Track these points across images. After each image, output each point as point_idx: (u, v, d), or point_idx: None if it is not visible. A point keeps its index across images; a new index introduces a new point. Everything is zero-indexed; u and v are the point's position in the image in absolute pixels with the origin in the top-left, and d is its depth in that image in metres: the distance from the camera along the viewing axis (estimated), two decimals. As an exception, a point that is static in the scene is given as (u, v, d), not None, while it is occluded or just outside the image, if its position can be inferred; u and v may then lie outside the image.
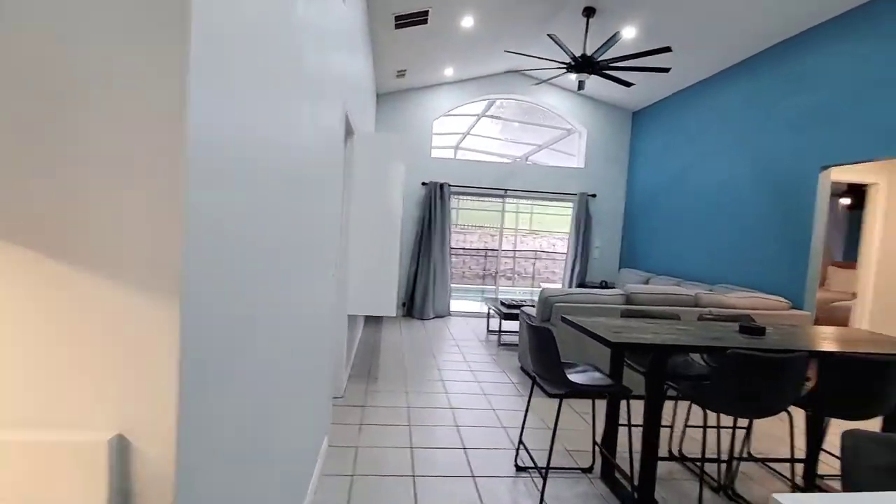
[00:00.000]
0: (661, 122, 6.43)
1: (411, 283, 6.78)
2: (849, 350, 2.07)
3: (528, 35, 5.00)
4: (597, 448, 2.68)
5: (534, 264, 10.01)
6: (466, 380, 4.09)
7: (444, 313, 6.93)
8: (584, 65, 4.34)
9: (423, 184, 6.81)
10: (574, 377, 2.23)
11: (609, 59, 4.29)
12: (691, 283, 5.15)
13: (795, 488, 2.44)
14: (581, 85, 4.76)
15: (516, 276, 13.02)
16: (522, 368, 4.46)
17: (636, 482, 2.23)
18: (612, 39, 3.89)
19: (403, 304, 6.87)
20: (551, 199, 7.32)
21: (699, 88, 5.68)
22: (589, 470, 2.57)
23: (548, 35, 4.17)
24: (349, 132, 3.36)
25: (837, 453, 2.87)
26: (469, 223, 12.07)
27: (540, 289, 10.61)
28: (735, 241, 4.89)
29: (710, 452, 2.74)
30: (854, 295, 4.50)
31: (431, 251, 6.71)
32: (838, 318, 4.79)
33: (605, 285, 6.90)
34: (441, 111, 6.90)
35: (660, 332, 2.21)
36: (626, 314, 2.79)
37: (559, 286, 7.95)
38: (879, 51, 3.53)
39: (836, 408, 2.05)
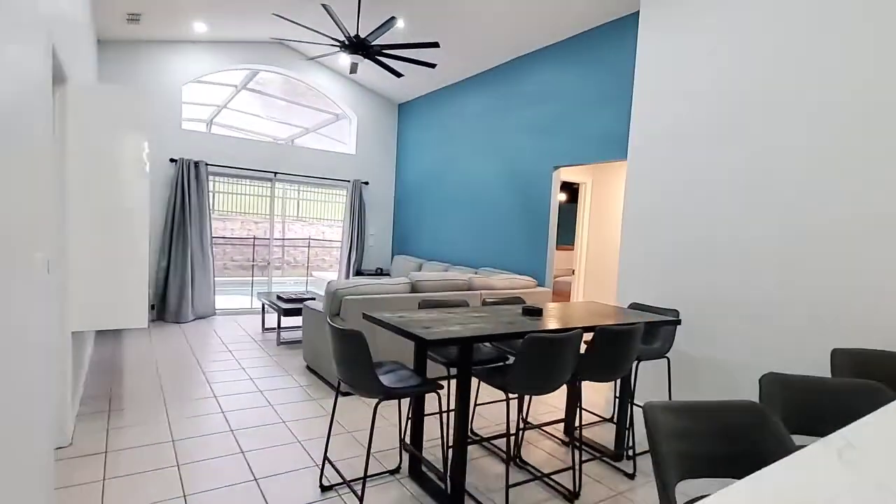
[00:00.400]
0: (424, 116, 6.83)
1: (162, 281, 5.60)
2: (605, 323, 2.52)
3: (299, 1, 4.56)
4: (402, 446, 2.66)
5: (306, 252, 9.56)
6: (246, 391, 3.57)
7: (209, 313, 5.98)
8: (357, 46, 4.18)
9: (172, 160, 5.65)
10: (386, 380, 2.12)
11: (382, 45, 4.24)
12: (458, 267, 5.66)
13: (563, 444, 2.91)
14: (354, 68, 4.62)
15: (285, 265, 12.25)
16: (310, 368, 4.16)
17: (447, 472, 2.29)
18: (388, 24, 3.83)
19: (153, 307, 5.63)
20: (324, 185, 7.04)
21: (455, 89, 6.20)
22: (396, 471, 2.53)
23: (322, 4, 3.85)
24: (59, 79, 2.45)
25: (591, 409, 3.57)
26: (228, 209, 10.76)
27: (311, 278, 10.21)
28: (491, 228, 5.56)
29: (498, 429, 3.03)
30: (573, 272, 5.69)
31: (187, 241, 5.66)
32: (563, 290, 5.98)
33: (380, 272, 7.03)
34: (192, 75, 5.81)
35: (464, 322, 2.28)
36: (425, 305, 2.82)
37: (334, 275, 7.78)
38: (594, 72, 4.42)
39: (595, 373, 2.47)
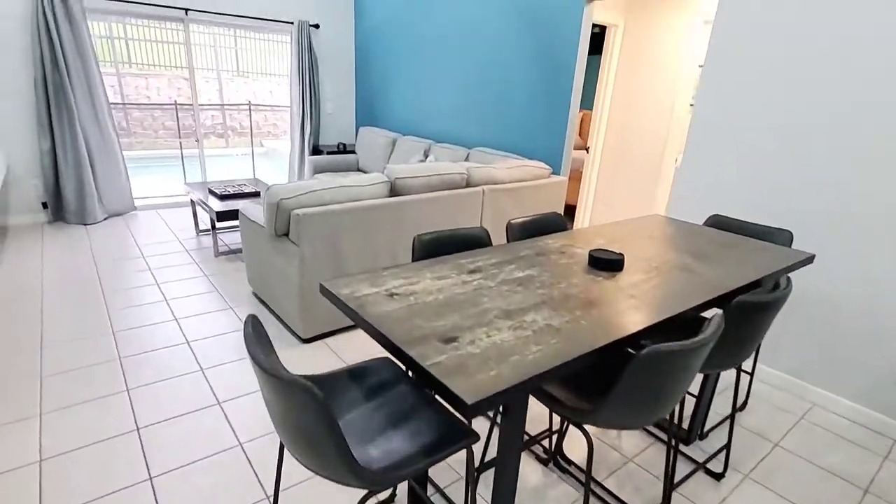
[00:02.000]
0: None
1: (51, 170, 4.18)
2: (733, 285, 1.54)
3: None
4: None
5: (249, 118, 7.89)
6: (169, 342, 2.58)
7: (126, 209, 4.70)
8: None
9: (20, -9, 3.82)
10: (374, 449, 1.12)
11: None
12: (444, 146, 4.42)
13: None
14: None
15: (230, 132, 10.39)
16: (258, 297, 3.15)
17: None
18: None
19: (45, 205, 4.30)
20: (258, 30, 5.26)
21: None
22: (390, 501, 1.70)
23: None
24: None
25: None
26: (149, 62, 8.68)
27: (262, 148, 8.66)
28: (489, 91, 4.22)
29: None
30: (587, 148, 4.55)
31: (72, 112, 4.12)
32: (572, 170, 4.90)
33: (343, 149, 5.69)
34: None
35: (510, 310, 1.25)
36: (424, 249, 1.72)
37: (287, 147, 6.36)
38: None
39: (717, 363, 1.57)
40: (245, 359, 2.46)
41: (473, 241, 1.84)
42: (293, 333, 2.74)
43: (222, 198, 3.85)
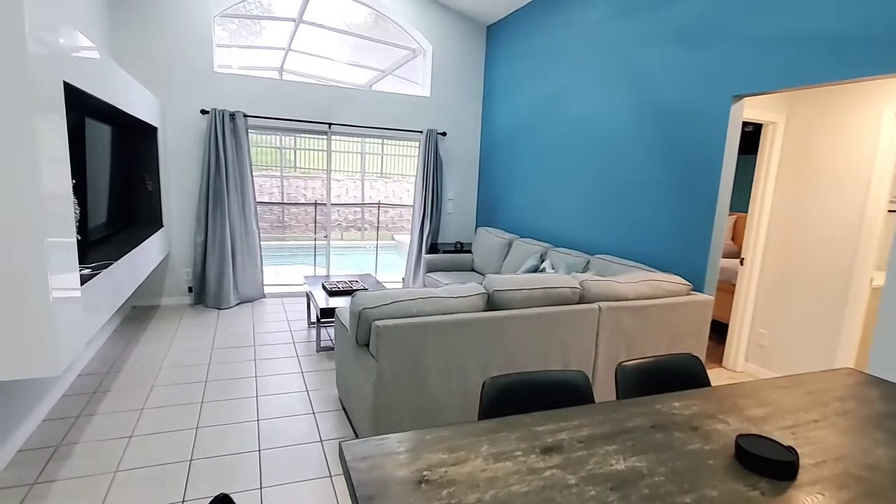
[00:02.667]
0: (522, 38, 5.03)
1: (200, 259, 4.72)
2: None
3: None
4: None
5: (375, 212, 8.44)
6: (243, 448, 2.44)
7: (256, 296, 5.06)
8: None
9: (204, 112, 4.61)
10: None
11: None
12: (561, 251, 4.05)
13: None
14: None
15: (367, 225, 11.29)
16: (343, 406, 2.95)
17: None
18: None
19: (190, 290, 4.82)
20: (390, 138, 5.66)
21: (569, -8, 4.33)
22: None
23: None
24: None
25: None
26: (307, 165, 9.94)
27: (394, 242, 9.11)
28: (615, 196, 3.82)
29: None
30: (741, 258, 3.79)
31: (225, 211, 4.67)
32: (723, 286, 4.10)
33: (460, 248, 5.62)
34: (224, 2, 4.62)
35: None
36: (491, 405, 1.34)
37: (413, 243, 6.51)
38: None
39: None
40: (308, 480, 2.19)
41: (566, 390, 1.40)
42: (365, 457, 2.42)
43: (331, 293, 3.89)
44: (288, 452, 2.43)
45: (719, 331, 4.09)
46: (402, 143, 5.73)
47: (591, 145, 4.06)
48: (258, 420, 2.72)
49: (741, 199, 4.03)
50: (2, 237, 1.72)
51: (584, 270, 3.69)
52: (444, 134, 5.65)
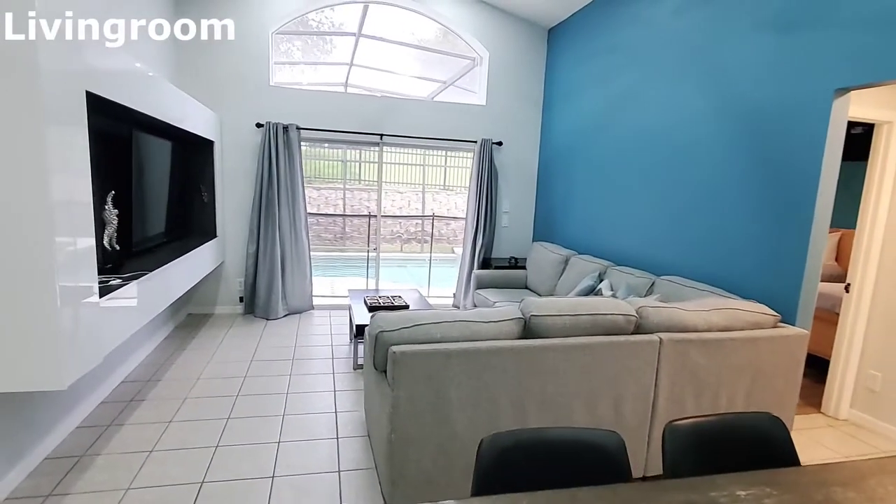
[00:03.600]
0: (586, 39, 4.67)
1: (252, 270, 4.78)
2: None
3: None
4: None
5: (431, 227, 8.29)
6: (258, 473, 2.29)
7: (305, 307, 5.04)
8: None
9: (259, 125, 4.69)
10: None
11: None
12: (623, 270, 3.62)
13: None
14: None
15: (428, 238, 11.13)
16: (366, 425, 2.74)
17: None
18: None
19: (241, 299, 4.89)
20: (444, 148, 5.49)
21: (639, -15, 3.93)
22: None
23: None
24: None
25: None
26: (371, 178, 9.97)
27: (454, 255, 8.92)
28: (687, 208, 3.36)
29: None
30: (846, 285, 3.16)
31: (275, 224, 4.71)
32: (824, 315, 3.44)
33: (514, 264, 5.29)
34: (282, 16, 4.70)
35: None
36: (489, 472, 1.04)
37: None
38: None
39: None
40: (313, 522, 1.99)
41: (591, 456, 1.07)
42: (381, 492, 2.18)
43: (370, 308, 3.73)
44: (302, 482, 2.25)
45: (818, 367, 3.45)
46: (463, 154, 5.51)
47: (659, 151, 3.62)
48: (279, 442, 2.58)
49: (848, 212, 3.40)
50: (9, 243, 1.68)
51: (648, 293, 3.24)
52: (499, 143, 5.38)
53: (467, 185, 5.44)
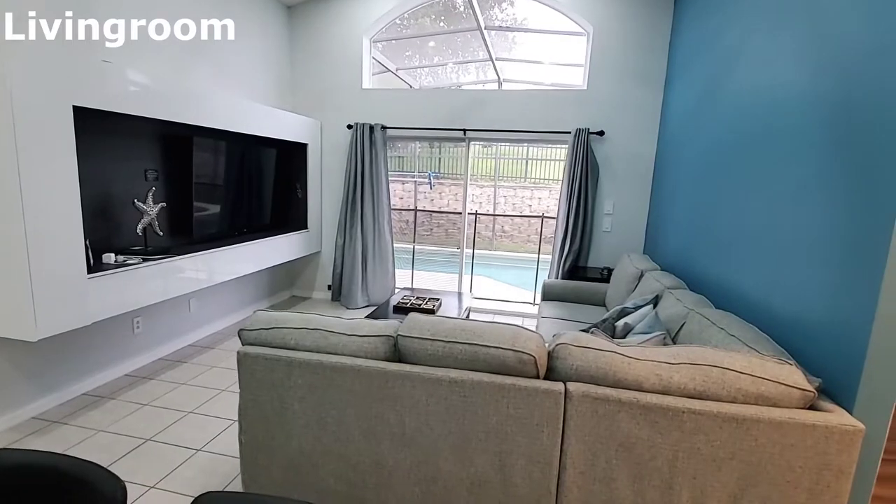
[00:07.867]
0: (717, 4, 3.58)
1: (339, 261, 5.19)
2: None
3: None
4: None
5: (535, 223, 7.50)
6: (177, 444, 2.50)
7: (384, 300, 5.23)
8: None
9: (349, 126, 5.03)
10: None
11: None
12: (682, 297, 2.70)
13: None
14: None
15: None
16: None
17: None
18: None
19: (329, 287, 5.36)
20: (533, 140, 4.94)
21: None
22: None
23: None
24: None
25: None
26: (451, 171, 9.68)
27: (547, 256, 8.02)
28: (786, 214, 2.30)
29: None
30: None
31: (361, 217, 5.00)
32: None
33: (605, 276, 4.46)
34: (375, 21, 4.93)
35: None
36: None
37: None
38: None
39: None
40: (183, 503, 2.07)
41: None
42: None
43: (395, 309, 3.65)
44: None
45: None
46: (547, 146, 4.91)
47: (772, 145, 2.57)
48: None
49: None
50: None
51: (681, 328, 2.35)
52: (601, 133, 4.59)
53: (548, 176, 4.81)
